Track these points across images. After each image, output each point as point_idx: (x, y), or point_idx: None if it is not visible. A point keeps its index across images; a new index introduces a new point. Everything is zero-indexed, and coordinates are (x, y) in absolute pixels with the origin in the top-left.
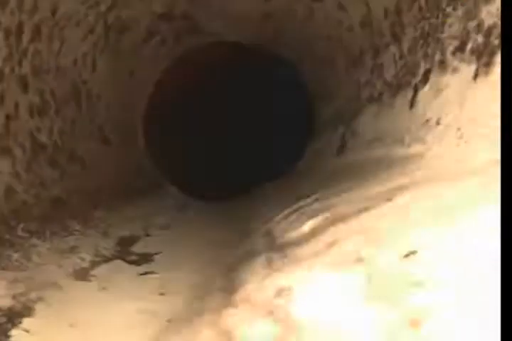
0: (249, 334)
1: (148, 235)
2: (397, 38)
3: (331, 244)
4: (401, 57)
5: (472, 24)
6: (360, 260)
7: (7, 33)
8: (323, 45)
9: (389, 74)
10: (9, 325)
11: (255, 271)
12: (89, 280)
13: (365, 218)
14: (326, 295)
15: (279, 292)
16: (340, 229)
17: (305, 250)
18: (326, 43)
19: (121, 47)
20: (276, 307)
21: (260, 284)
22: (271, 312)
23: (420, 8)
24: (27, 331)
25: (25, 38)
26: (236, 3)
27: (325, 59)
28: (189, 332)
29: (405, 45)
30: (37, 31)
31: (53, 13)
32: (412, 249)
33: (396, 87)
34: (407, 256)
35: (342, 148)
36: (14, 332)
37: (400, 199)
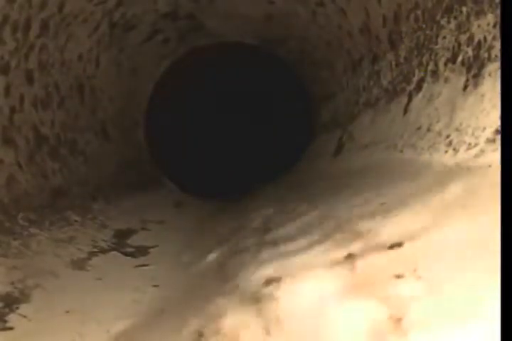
0: (235, 322)
1: (144, 229)
2: (394, 46)
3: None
4: (397, 64)
5: (464, 37)
6: (349, 255)
7: (15, 28)
8: (323, 49)
9: (385, 80)
10: (6, 310)
11: (245, 262)
12: (86, 270)
13: (356, 216)
14: (312, 286)
15: (268, 282)
16: (331, 227)
17: (296, 245)
18: (327, 47)
19: (125, 45)
20: (264, 296)
21: (249, 274)
22: (258, 301)
23: (417, 19)
24: (24, 316)
25: (33, 32)
26: (240, 5)
27: (325, 62)
28: (179, 321)
29: (402, 54)
30: (44, 27)
31: (60, 9)
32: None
33: (392, 94)
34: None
35: (339, 151)
36: (11, 317)
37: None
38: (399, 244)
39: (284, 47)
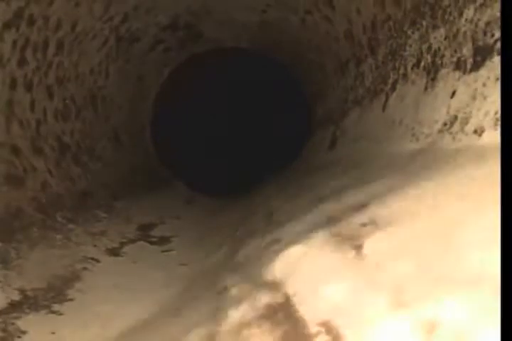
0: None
1: (163, 223)
2: (373, 51)
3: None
4: (377, 67)
5: (424, 46)
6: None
7: (35, 48)
8: (314, 52)
9: (368, 81)
10: (65, 287)
11: (254, 248)
12: (121, 256)
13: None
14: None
15: (273, 242)
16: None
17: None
18: (317, 51)
19: (130, 56)
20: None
21: (259, 258)
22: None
23: (390, 29)
24: (79, 291)
25: (50, 51)
26: (235, 13)
27: (316, 65)
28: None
29: (380, 58)
30: (60, 46)
31: (73, 28)
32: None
33: (373, 93)
34: None
35: (333, 145)
36: (69, 292)
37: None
38: (365, 205)
39: (278, 51)
